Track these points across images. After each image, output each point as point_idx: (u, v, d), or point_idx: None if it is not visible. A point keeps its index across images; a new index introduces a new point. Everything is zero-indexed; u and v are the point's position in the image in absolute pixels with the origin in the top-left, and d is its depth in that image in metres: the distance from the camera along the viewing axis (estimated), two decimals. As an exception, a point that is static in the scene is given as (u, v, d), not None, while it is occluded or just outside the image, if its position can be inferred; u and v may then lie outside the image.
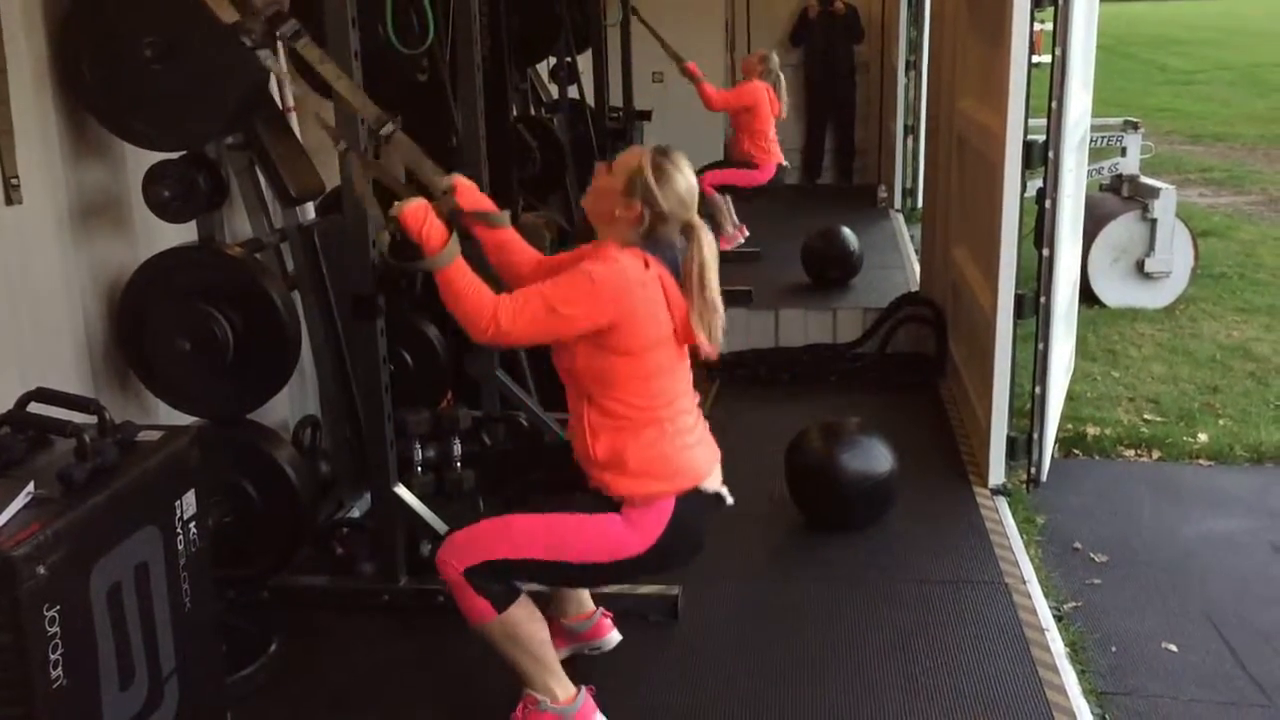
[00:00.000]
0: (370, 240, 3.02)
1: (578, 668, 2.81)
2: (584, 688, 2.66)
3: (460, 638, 3.02)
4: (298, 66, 3.81)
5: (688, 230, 2.47)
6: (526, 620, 2.54)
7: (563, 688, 2.61)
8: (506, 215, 2.63)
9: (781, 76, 7.06)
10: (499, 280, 2.63)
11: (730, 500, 2.61)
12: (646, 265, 2.44)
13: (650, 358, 2.45)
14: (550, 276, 2.51)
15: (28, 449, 2.19)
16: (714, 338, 2.50)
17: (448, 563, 2.49)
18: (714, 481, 2.58)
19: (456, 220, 2.49)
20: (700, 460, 2.55)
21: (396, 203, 2.45)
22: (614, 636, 2.96)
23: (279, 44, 2.67)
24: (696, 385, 2.60)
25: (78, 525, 1.98)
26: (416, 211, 2.42)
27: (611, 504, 2.48)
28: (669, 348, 2.49)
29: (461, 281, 2.41)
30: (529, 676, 2.59)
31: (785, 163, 7.02)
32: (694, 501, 2.50)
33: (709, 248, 2.48)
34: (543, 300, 2.38)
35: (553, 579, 2.62)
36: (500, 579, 2.49)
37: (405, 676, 2.95)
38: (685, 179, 2.47)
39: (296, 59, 3.78)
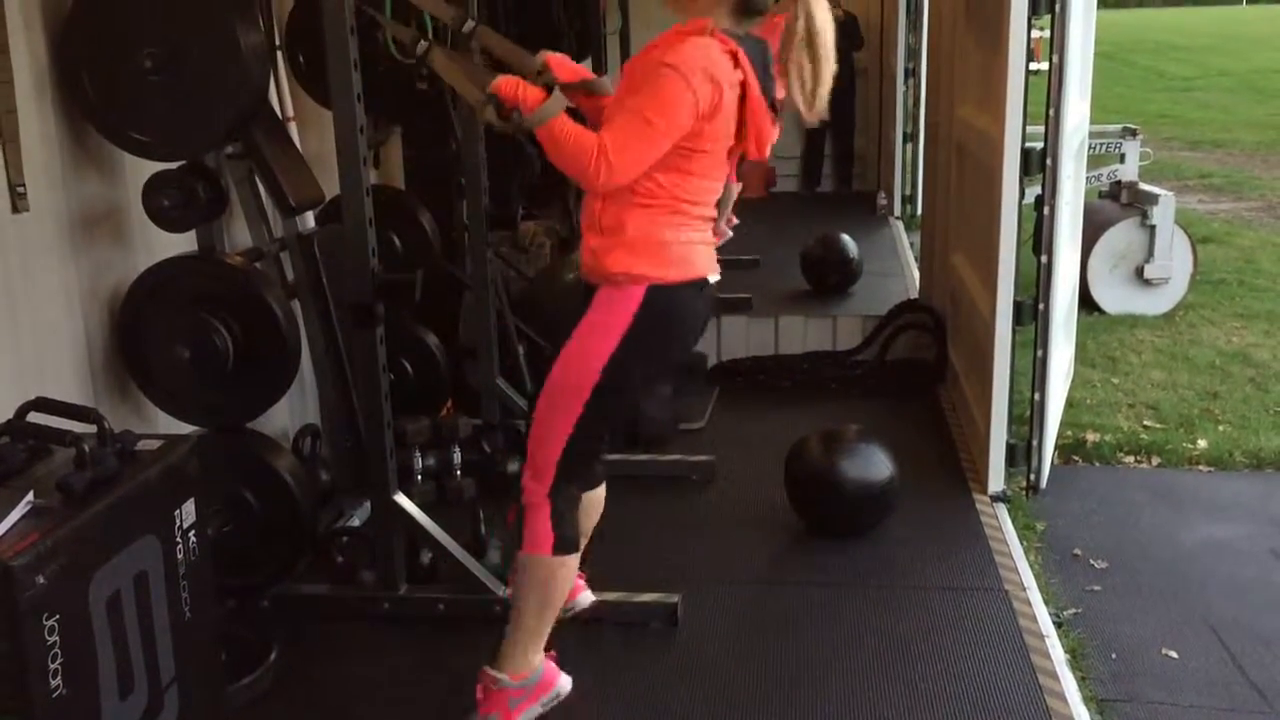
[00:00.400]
0: (371, 249, 3.03)
1: (574, 668, 2.81)
2: (544, 655, 2.66)
3: (460, 647, 3.03)
4: (299, 78, 3.84)
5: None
6: (565, 578, 2.57)
7: (537, 657, 2.61)
8: (607, 79, 2.55)
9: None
10: None
11: (716, 276, 2.51)
12: (735, 63, 2.32)
13: (702, 159, 2.38)
14: None
15: (27, 458, 2.19)
16: (817, 105, 2.35)
17: (530, 487, 2.52)
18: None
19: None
20: (698, 258, 2.47)
21: (490, 81, 2.38)
22: (587, 596, 2.95)
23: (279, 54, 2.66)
24: None
25: (77, 535, 1.98)
26: (508, 80, 2.35)
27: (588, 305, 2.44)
28: (722, 156, 2.42)
29: (563, 132, 2.30)
30: (518, 636, 2.58)
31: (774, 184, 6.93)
32: (673, 290, 2.44)
33: (822, 16, 2.31)
34: (640, 123, 2.26)
35: (601, 426, 2.55)
36: (579, 476, 2.53)
37: (405, 685, 2.95)
38: None
39: (298, 71, 3.81)
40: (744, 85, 2.36)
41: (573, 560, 2.59)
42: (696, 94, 2.27)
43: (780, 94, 2.43)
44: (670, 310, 2.46)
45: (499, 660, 2.61)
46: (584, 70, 2.54)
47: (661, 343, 2.52)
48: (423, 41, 2.58)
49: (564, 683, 2.67)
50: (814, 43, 2.32)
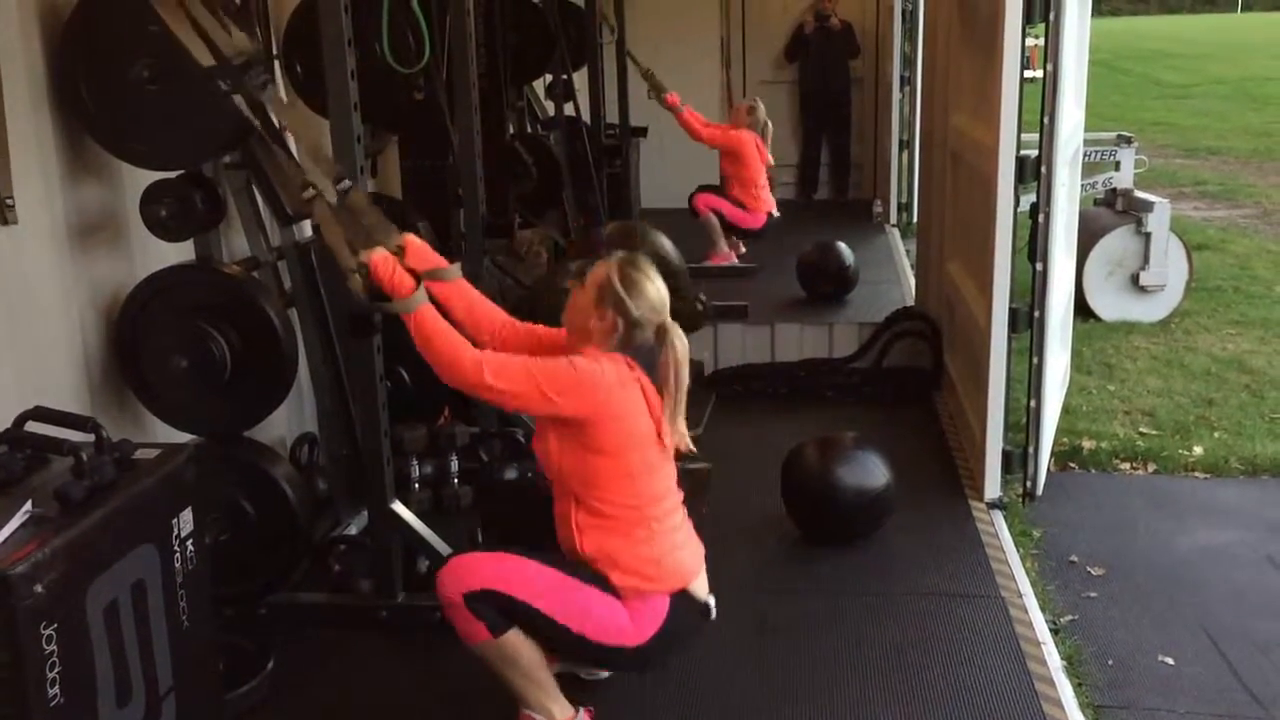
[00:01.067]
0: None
1: (571, 685, 2.82)
2: (583, 709, 2.66)
3: (457, 654, 3.02)
4: (297, 87, 3.85)
5: (661, 333, 2.53)
6: (522, 643, 2.52)
7: (560, 708, 2.61)
8: (457, 267, 2.72)
9: (770, 125, 7.02)
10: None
11: (714, 614, 2.65)
12: (631, 367, 2.52)
13: (631, 457, 2.50)
14: (518, 341, 2.65)
15: (25, 468, 2.20)
16: (675, 435, 2.56)
17: (447, 582, 2.48)
18: (701, 587, 2.63)
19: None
20: (688, 562, 2.60)
21: (363, 250, 2.53)
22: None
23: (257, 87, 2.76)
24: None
25: (75, 544, 1.99)
26: (386, 260, 2.51)
27: (613, 589, 2.50)
28: (650, 448, 2.53)
29: (433, 325, 2.48)
30: (525, 698, 2.59)
31: (776, 212, 7.00)
32: (685, 606, 2.56)
33: (681, 348, 2.54)
34: (528, 371, 2.44)
35: (543, 634, 2.54)
36: (498, 610, 2.48)
37: (402, 693, 2.95)
38: (655, 286, 2.54)
39: (294, 79, 3.82)
40: (641, 382, 2.52)
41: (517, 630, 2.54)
42: (581, 393, 2.43)
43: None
44: (687, 623, 2.57)
45: (539, 711, 2.62)
46: (439, 259, 2.70)
47: (663, 650, 2.58)
48: (309, 189, 2.69)
49: None
50: (677, 387, 2.52)
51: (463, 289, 2.75)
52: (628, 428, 2.49)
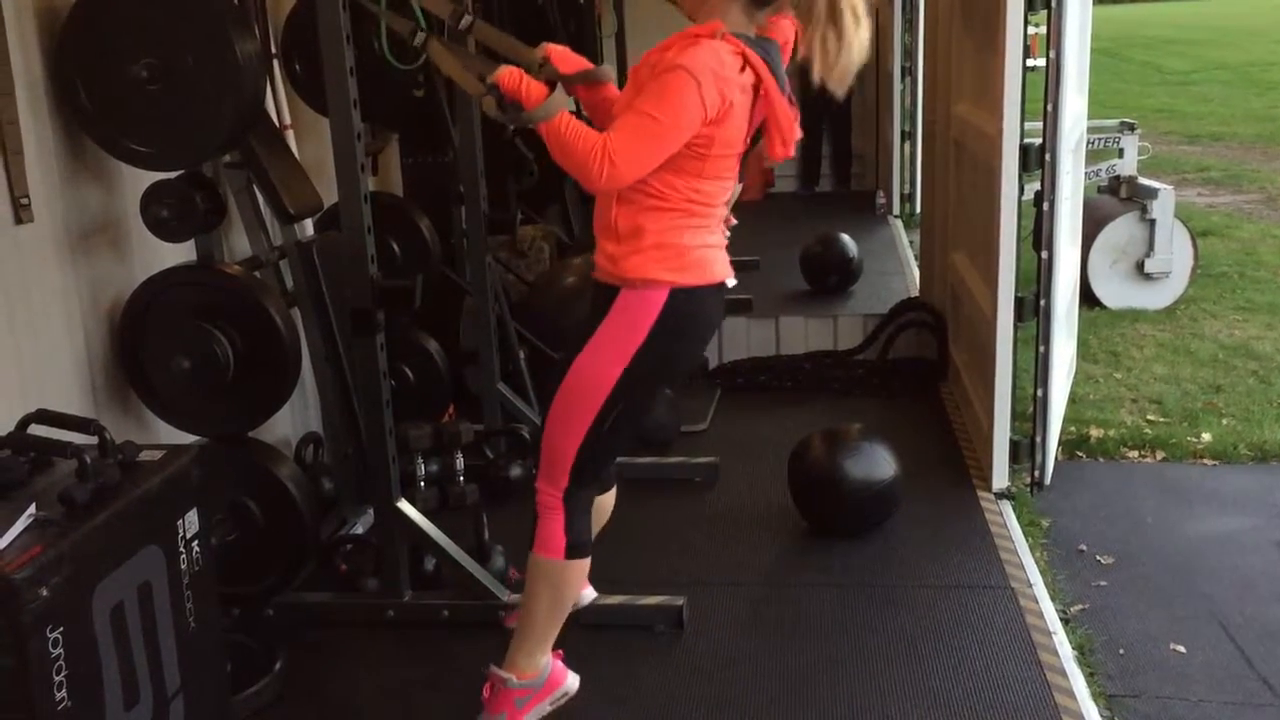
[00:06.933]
0: (370, 256, 3.03)
1: (579, 672, 2.81)
2: (552, 654, 2.67)
3: (464, 652, 3.02)
4: (296, 86, 3.84)
5: None
6: (575, 581, 2.58)
7: (544, 658, 2.63)
8: (609, 69, 2.55)
9: None
10: None
11: (733, 282, 2.51)
12: (744, 66, 2.30)
13: (715, 162, 2.37)
14: None
15: (29, 471, 2.19)
16: (839, 76, 2.33)
17: (544, 490, 2.52)
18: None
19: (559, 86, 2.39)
20: (714, 262, 2.47)
21: (490, 72, 2.35)
22: (590, 593, 2.92)
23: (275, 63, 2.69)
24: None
25: (80, 546, 1.98)
26: (511, 73, 2.31)
27: (604, 310, 2.42)
28: (733, 159, 2.41)
29: (568, 130, 2.27)
30: (526, 636, 2.60)
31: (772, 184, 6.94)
32: (693, 294, 2.44)
33: None
34: (647, 122, 2.23)
35: (618, 431, 2.49)
36: (593, 480, 2.53)
37: (410, 692, 2.94)
38: None
39: (295, 79, 3.81)
40: (759, 86, 2.35)
41: (584, 564, 2.59)
42: (705, 97, 2.24)
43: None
44: (691, 314, 2.46)
45: (507, 660, 2.62)
46: (585, 61, 2.50)
47: (680, 347, 2.53)
48: (420, 32, 2.55)
49: (571, 681, 2.69)
50: (836, 13, 2.30)
51: (603, 91, 2.53)
52: (726, 134, 2.33)
